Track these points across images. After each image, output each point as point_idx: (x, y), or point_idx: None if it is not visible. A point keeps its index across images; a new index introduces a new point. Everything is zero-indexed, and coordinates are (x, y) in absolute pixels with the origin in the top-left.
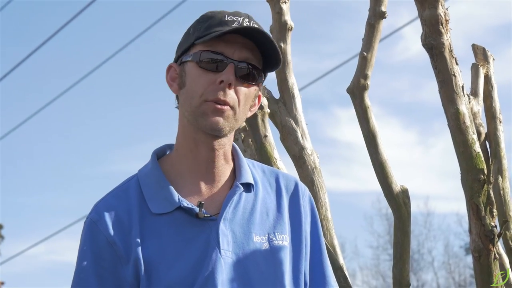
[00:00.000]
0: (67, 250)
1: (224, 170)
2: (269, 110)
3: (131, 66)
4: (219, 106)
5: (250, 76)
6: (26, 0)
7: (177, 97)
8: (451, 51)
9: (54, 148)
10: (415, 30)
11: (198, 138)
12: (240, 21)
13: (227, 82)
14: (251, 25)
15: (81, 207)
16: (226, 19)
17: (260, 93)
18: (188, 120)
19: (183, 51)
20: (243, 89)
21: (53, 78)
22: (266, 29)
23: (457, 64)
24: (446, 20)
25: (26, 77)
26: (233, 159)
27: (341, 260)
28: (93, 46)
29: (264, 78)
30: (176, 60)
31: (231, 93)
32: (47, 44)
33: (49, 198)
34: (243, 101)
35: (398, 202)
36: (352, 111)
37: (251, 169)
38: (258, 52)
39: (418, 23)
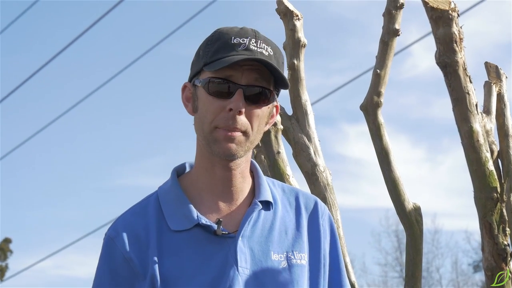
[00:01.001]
0: (75, 265)
1: (242, 188)
2: (282, 127)
3: (140, 81)
4: (229, 133)
5: (260, 98)
6: (38, 13)
7: (194, 118)
8: (465, 69)
9: (63, 162)
10: (424, 47)
11: (213, 160)
12: (247, 43)
13: (236, 109)
14: (258, 45)
15: (89, 222)
16: (232, 41)
17: (276, 103)
18: (202, 144)
19: (194, 73)
20: (255, 112)
21: (62, 92)
22: (279, 44)
23: (471, 82)
24: (460, 38)
25: (35, 91)
26: (253, 177)
27: (353, 278)
28: (102, 61)
29: (278, 95)
30: (190, 80)
31: (241, 118)
32: (59, 57)
33: (57, 212)
34: (256, 123)
35: (411, 219)
36: (361, 127)
37: (270, 188)
38: (267, 72)
39: (426, 40)
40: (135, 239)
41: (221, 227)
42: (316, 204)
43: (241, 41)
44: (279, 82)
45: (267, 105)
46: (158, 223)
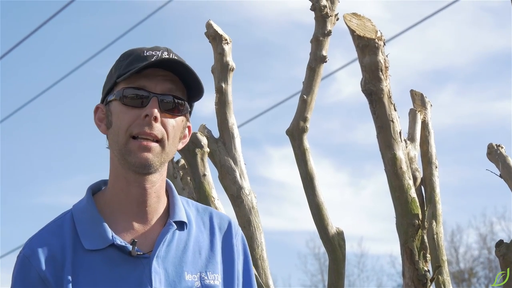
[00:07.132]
0: None
1: (157, 208)
2: (208, 149)
3: (64, 99)
4: (145, 143)
5: (175, 107)
6: None
7: (107, 137)
8: (389, 97)
9: None
10: (348, 73)
11: (128, 177)
12: (159, 54)
13: (151, 115)
14: (171, 56)
15: (13, 239)
16: (145, 54)
17: (189, 124)
18: (118, 159)
19: (107, 91)
20: (170, 121)
21: None
22: (207, 67)
23: (395, 110)
24: (386, 67)
25: None
26: (168, 196)
27: None
28: (30, 78)
29: (191, 109)
30: (102, 101)
31: (157, 126)
32: None
33: None
34: (172, 133)
35: (334, 244)
36: (284, 151)
37: (185, 207)
38: (181, 84)
39: (349, 65)
40: (51, 258)
41: (135, 247)
42: (229, 224)
43: (153, 53)
44: (193, 92)
45: (181, 115)
46: (73, 243)
